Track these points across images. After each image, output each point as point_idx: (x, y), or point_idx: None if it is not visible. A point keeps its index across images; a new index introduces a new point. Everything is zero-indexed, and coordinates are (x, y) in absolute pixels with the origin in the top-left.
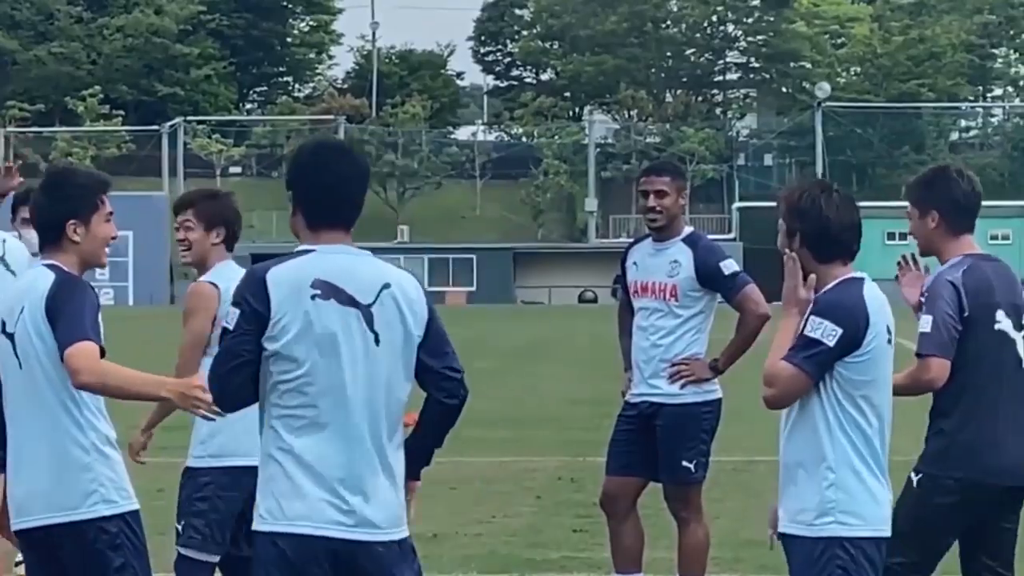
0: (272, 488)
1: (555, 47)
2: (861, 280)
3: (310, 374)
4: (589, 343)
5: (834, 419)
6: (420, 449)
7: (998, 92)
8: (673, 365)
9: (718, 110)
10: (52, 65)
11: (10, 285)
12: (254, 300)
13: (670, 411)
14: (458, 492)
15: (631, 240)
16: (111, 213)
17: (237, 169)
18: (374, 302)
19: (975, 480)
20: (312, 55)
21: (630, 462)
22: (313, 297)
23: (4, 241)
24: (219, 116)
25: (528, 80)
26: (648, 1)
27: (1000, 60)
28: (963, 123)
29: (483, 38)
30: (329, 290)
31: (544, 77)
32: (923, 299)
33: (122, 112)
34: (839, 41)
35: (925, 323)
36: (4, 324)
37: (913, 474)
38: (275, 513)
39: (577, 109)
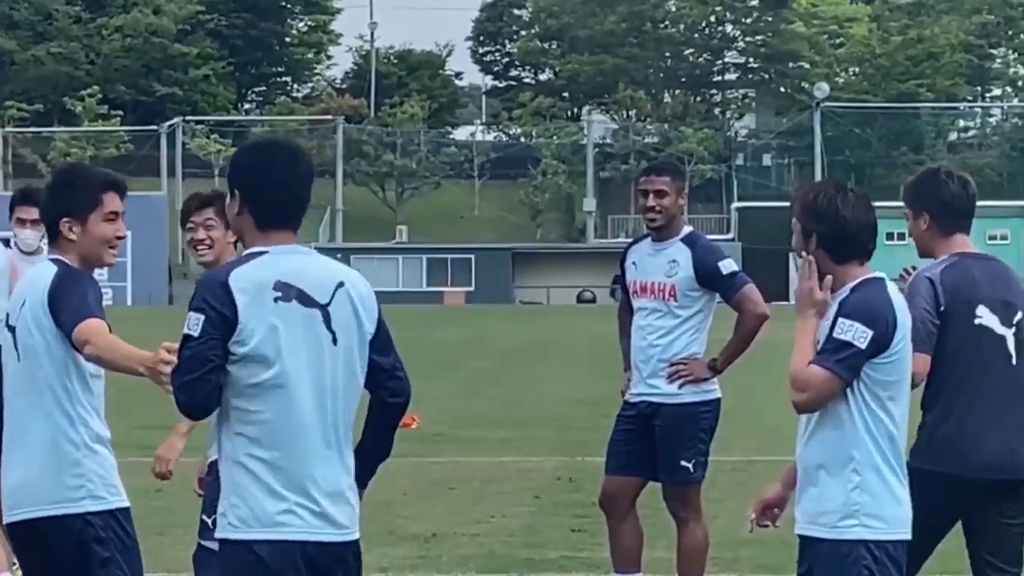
0: (243, 495)
1: (553, 47)
2: (883, 280)
3: (277, 377)
4: (588, 343)
5: (860, 421)
6: (365, 455)
7: (997, 92)
8: (672, 365)
9: (717, 110)
10: (50, 65)
11: None
12: (220, 305)
13: (669, 411)
14: (457, 492)
15: (630, 240)
16: (115, 213)
17: None
18: (331, 301)
19: (955, 475)
20: (311, 55)
21: (629, 462)
22: (276, 300)
23: None
24: (218, 116)
25: (526, 80)
26: (647, 1)
27: (999, 60)
28: (962, 123)
29: (481, 38)
30: (290, 292)
31: (542, 77)
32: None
33: (120, 112)
34: (838, 41)
35: None
36: (8, 317)
37: None
38: (249, 521)
39: (575, 109)
